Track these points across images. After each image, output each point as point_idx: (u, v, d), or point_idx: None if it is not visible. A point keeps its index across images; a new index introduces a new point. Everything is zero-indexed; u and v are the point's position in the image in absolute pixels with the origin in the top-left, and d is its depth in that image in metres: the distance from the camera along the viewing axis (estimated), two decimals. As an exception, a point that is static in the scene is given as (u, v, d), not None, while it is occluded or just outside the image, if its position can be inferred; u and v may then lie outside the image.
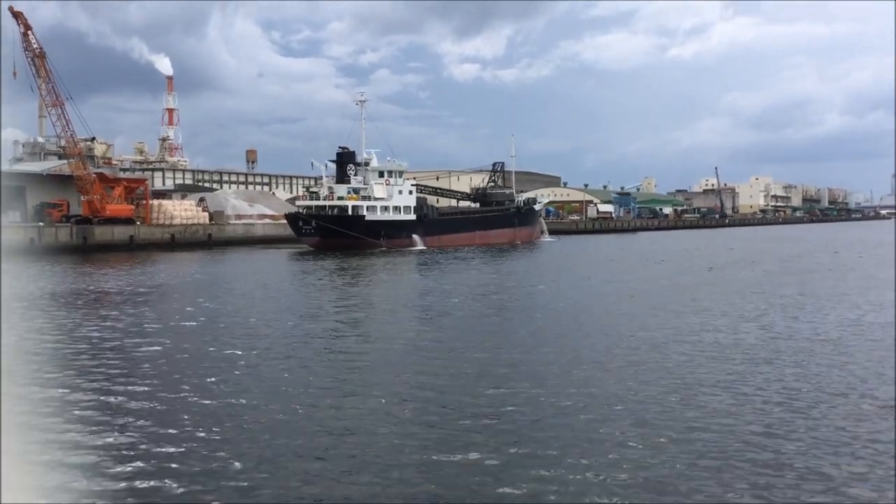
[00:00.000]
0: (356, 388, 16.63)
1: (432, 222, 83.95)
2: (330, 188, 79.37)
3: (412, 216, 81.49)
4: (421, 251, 74.11)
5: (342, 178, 79.21)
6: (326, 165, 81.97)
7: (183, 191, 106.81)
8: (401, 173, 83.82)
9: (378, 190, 78.95)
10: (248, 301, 33.14)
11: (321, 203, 78.07)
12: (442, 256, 65.58)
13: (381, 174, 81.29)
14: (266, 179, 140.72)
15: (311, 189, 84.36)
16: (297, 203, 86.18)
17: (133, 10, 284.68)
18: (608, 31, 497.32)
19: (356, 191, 78.34)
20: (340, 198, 77.38)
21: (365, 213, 76.65)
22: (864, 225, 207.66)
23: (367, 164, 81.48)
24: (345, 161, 79.56)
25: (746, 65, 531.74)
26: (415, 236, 79.55)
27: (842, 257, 62.75)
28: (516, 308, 30.55)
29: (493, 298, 34.23)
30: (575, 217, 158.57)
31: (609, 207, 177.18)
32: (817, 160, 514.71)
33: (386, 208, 79.13)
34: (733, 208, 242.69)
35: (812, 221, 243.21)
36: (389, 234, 76.71)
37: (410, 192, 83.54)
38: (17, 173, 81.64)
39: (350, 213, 76.02)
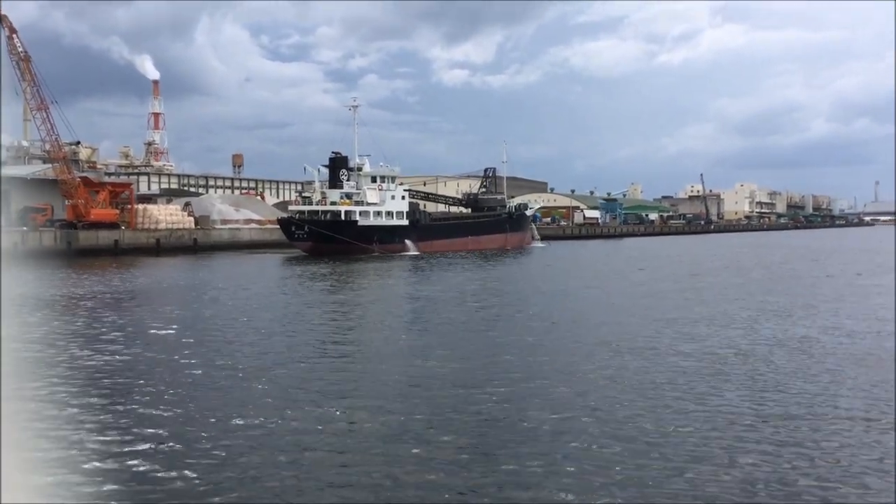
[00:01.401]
0: (341, 397, 16.15)
1: (425, 227, 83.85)
2: (323, 193, 79.08)
3: (405, 221, 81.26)
4: (413, 256, 73.92)
5: (335, 183, 78.94)
6: (319, 170, 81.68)
7: (168, 195, 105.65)
8: (393, 178, 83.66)
9: (371, 195, 78.77)
10: (241, 307, 32.29)
11: (314, 208, 77.79)
12: (434, 262, 65.34)
13: (373, 179, 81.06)
14: (252, 184, 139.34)
15: (303, 194, 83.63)
16: (290, 208, 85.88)
17: (120, 15, 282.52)
18: (597, 38, 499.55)
19: (349, 196, 78.04)
20: (333, 203, 77.11)
21: (358, 218, 76.34)
22: (849, 231, 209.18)
23: (359, 169, 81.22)
24: (337, 166, 79.24)
25: (735, 71, 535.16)
26: (407, 241, 79.27)
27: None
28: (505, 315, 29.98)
29: (479, 304, 33.59)
30: (562, 223, 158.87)
31: (595, 213, 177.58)
32: (803, 167, 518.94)
33: (379, 213, 78.93)
34: (718, 214, 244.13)
35: (797, 228, 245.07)
36: (382, 240, 76.42)
37: (403, 198, 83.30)
38: (2, 177, 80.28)
39: (343, 218, 75.64)
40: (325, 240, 72.34)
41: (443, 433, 13.37)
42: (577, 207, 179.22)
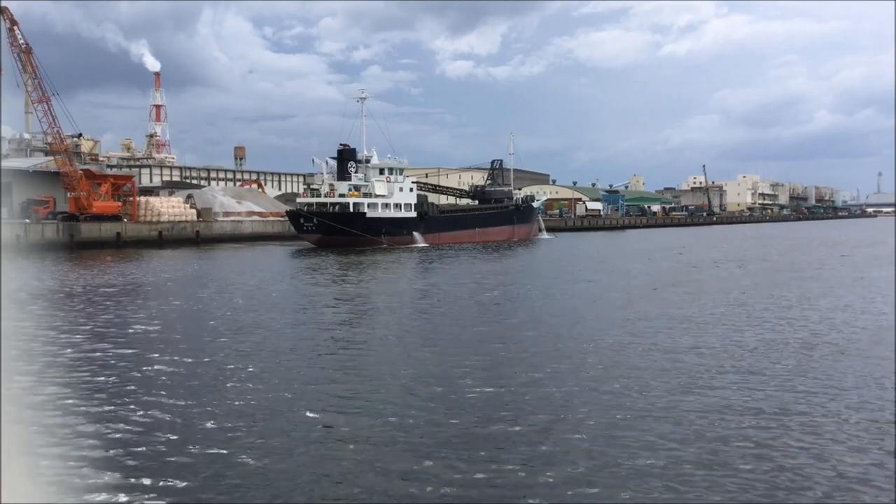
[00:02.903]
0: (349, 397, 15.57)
1: (433, 220, 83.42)
2: (331, 185, 78.52)
3: (413, 213, 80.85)
4: (422, 248, 73.43)
5: (343, 175, 78.44)
6: (327, 162, 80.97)
7: (170, 188, 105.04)
8: (401, 171, 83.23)
9: (379, 187, 78.33)
10: (258, 301, 31.36)
11: (322, 200, 77.30)
12: (442, 254, 64.80)
13: (381, 171, 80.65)
14: (254, 176, 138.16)
15: (312, 186, 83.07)
16: (298, 200, 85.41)
17: (124, 8, 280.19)
18: (602, 29, 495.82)
19: (357, 188, 77.64)
20: (342, 195, 76.63)
21: (366, 210, 75.89)
22: (853, 223, 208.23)
23: (367, 161, 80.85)
24: (346, 158, 78.82)
25: (739, 62, 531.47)
26: (415, 234, 79.01)
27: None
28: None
29: (491, 298, 32.71)
30: (566, 214, 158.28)
31: (597, 205, 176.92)
32: (807, 158, 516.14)
33: (387, 205, 78.50)
34: (721, 206, 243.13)
35: (799, 219, 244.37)
36: (390, 232, 76.08)
37: (411, 190, 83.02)
38: (3, 170, 79.55)
39: (351, 210, 75.13)
40: (333, 232, 71.90)
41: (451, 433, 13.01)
42: (580, 199, 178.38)
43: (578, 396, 15.18)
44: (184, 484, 10.83)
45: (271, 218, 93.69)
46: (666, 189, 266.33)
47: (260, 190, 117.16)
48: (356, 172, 78.75)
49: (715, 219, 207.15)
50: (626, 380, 16.57)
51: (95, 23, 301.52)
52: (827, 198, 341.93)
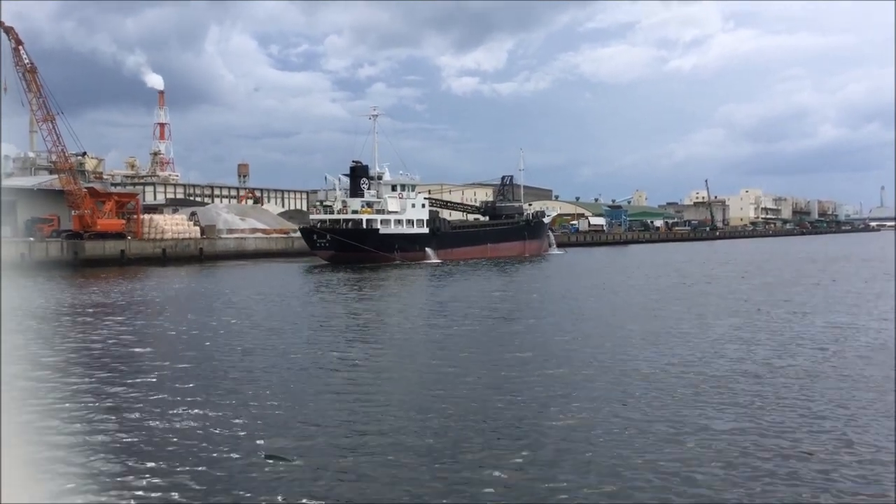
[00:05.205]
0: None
1: (445, 235, 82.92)
2: (344, 202, 78.23)
3: (425, 229, 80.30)
4: (435, 264, 72.75)
5: (356, 191, 78.14)
6: (340, 179, 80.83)
7: (174, 205, 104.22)
8: (413, 187, 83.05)
9: (391, 203, 78.00)
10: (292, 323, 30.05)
11: (335, 217, 76.93)
12: (455, 270, 64.26)
13: (393, 188, 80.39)
14: (258, 193, 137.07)
15: (325, 202, 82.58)
16: (311, 217, 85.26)
17: (130, 26, 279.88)
18: (607, 44, 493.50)
19: (370, 204, 77.29)
20: (354, 211, 76.32)
21: (379, 226, 75.45)
22: (859, 237, 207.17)
23: (380, 177, 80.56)
24: (358, 175, 78.54)
25: (745, 76, 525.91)
26: (428, 249, 78.33)
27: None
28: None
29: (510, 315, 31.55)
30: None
31: (600, 220, 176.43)
32: (811, 172, 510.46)
33: (399, 222, 78.01)
34: (724, 221, 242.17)
35: (802, 234, 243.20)
36: (403, 248, 75.62)
37: (423, 206, 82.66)
38: (7, 188, 79.01)
39: (364, 226, 74.77)
40: (346, 248, 71.52)
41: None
42: (582, 214, 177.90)
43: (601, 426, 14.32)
44: (184, 485, 11.00)
45: (275, 235, 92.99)
46: (669, 204, 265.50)
47: (257, 203, 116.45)
48: (368, 189, 78.34)
49: (718, 234, 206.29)
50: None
51: (98, 40, 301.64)
52: (830, 212, 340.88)
